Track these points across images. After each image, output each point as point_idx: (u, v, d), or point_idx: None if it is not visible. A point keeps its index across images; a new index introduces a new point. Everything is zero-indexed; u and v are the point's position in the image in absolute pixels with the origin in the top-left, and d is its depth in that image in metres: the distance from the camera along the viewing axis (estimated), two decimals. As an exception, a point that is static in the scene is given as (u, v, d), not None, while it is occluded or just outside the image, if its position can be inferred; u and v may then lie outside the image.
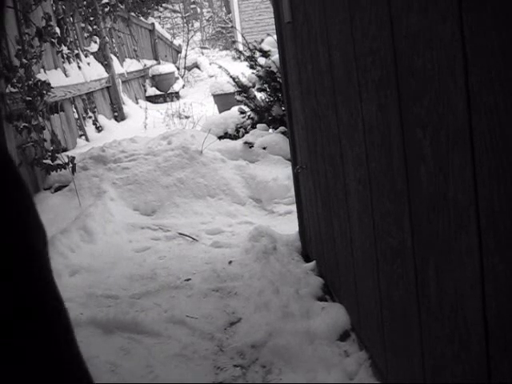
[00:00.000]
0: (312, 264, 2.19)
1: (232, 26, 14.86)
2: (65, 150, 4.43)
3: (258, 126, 4.65)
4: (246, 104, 4.53)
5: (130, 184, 3.76)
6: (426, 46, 0.79)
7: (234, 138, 4.44)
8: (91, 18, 6.27)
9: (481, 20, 0.63)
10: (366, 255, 1.32)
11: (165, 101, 8.53)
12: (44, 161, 3.65)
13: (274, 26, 2.40)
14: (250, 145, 3.91)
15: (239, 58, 5.23)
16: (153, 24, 10.24)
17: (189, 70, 10.97)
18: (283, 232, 2.64)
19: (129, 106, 7.25)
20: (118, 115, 6.76)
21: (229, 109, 5.31)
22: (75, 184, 3.69)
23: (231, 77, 4.64)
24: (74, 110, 5.20)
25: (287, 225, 2.85)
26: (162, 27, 12.85)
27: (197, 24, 17.78)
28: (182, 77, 10.25)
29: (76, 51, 5.42)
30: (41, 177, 3.95)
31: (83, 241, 2.91)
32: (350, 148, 1.32)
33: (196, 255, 2.56)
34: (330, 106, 1.50)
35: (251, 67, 4.40)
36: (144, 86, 8.90)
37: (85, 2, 5.97)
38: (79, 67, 5.44)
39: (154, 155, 4.01)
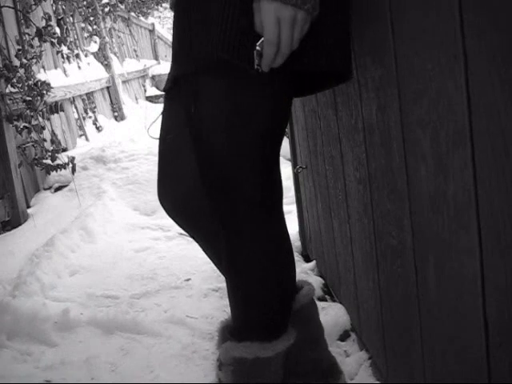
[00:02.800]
0: (312, 264, 2.19)
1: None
2: (65, 149, 4.43)
3: (258, 126, 4.64)
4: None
5: (130, 184, 3.76)
6: (426, 46, 0.79)
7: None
8: (91, 18, 6.27)
9: (481, 19, 0.63)
10: (365, 255, 1.32)
11: (165, 101, 8.51)
12: (44, 161, 3.65)
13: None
14: (249, 145, 3.91)
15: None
16: (153, 24, 10.24)
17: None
18: (283, 232, 2.64)
19: (129, 105, 7.25)
20: (118, 115, 6.76)
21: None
22: (75, 184, 3.69)
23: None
24: (74, 110, 5.20)
25: (287, 225, 2.84)
26: (162, 27, 12.86)
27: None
28: (182, 77, 10.22)
29: (76, 51, 5.42)
30: (41, 177, 3.95)
31: (83, 241, 2.91)
32: (350, 148, 1.32)
33: (196, 255, 2.56)
34: (329, 106, 1.50)
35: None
36: (144, 86, 8.90)
37: (85, 2, 5.97)
38: (79, 67, 5.44)
39: (154, 155, 4.01)
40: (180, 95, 1.03)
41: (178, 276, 2.36)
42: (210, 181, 1.02)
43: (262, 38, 0.87)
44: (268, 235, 1.06)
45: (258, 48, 0.87)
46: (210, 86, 0.96)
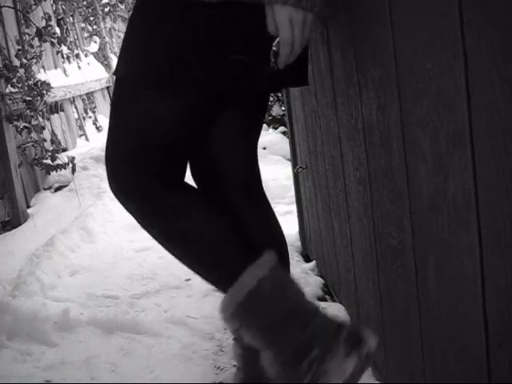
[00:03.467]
0: (312, 264, 2.19)
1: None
2: (65, 149, 4.43)
3: (258, 126, 4.64)
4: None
5: (130, 184, 3.76)
6: (426, 45, 0.79)
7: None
8: (91, 18, 6.27)
9: (481, 18, 0.63)
10: (365, 255, 1.32)
11: (165, 101, 8.50)
12: (44, 161, 3.65)
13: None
14: (250, 145, 3.91)
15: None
16: (153, 24, 10.22)
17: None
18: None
19: (129, 105, 7.24)
20: (118, 115, 6.74)
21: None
22: (75, 184, 3.69)
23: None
24: (74, 110, 5.20)
25: (287, 225, 2.84)
26: (162, 27, 12.81)
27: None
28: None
29: (76, 51, 5.43)
30: (41, 177, 3.95)
31: (83, 241, 2.91)
32: (350, 148, 1.32)
33: (196, 255, 2.55)
34: (330, 106, 1.50)
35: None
36: (144, 86, 8.89)
37: (85, 2, 5.97)
38: (79, 67, 5.44)
39: (154, 155, 4.01)
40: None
41: (178, 276, 2.36)
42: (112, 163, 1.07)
43: (278, 39, 0.97)
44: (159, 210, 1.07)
45: (274, 48, 0.98)
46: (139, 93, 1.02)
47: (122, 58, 1.04)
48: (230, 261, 1.06)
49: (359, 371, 1.00)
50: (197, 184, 1.25)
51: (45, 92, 3.56)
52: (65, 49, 4.57)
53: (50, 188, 3.95)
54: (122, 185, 1.06)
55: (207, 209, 1.08)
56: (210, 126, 1.15)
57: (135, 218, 1.11)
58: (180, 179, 1.09)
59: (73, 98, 5.12)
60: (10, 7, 3.67)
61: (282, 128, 4.42)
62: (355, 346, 1.01)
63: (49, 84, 3.60)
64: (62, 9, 5.09)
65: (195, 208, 1.07)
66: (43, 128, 3.68)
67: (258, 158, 1.30)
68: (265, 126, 4.69)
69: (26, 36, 3.83)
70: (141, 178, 1.04)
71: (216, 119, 1.14)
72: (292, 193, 2.64)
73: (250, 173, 1.26)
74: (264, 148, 4.06)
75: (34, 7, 3.91)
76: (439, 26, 0.73)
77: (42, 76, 4.03)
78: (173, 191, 1.06)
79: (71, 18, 5.55)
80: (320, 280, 2.04)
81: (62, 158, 3.67)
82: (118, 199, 1.09)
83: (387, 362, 1.25)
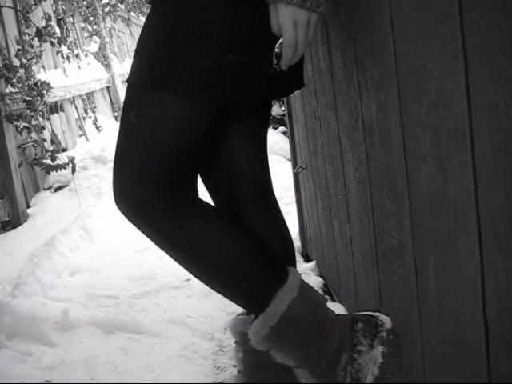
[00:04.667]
0: (312, 264, 2.19)
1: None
2: (65, 149, 4.43)
3: (258, 125, 4.64)
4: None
5: (130, 184, 3.76)
6: (426, 45, 0.79)
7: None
8: (91, 18, 6.27)
9: (481, 18, 0.63)
10: (365, 255, 1.32)
11: (165, 101, 8.50)
12: (44, 161, 3.65)
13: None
14: (250, 145, 3.91)
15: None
16: (153, 24, 10.21)
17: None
18: (283, 232, 2.63)
19: (129, 105, 7.23)
20: (118, 115, 6.76)
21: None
22: (75, 184, 3.69)
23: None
24: (74, 110, 5.19)
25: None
26: (162, 27, 12.80)
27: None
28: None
29: (76, 51, 5.42)
30: (41, 177, 3.95)
31: (83, 241, 2.91)
32: (350, 148, 1.32)
33: (196, 255, 2.55)
34: (329, 106, 1.50)
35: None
36: (144, 85, 8.88)
37: (85, 2, 5.97)
38: (79, 67, 5.44)
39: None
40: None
41: (178, 276, 2.36)
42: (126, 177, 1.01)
43: (280, 40, 0.95)
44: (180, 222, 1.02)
45: (276, 50, 0.96)
46: (158, 99, 0.97)
47: (133, 65, 1.00)
48: (257, 285, 1.05)
49: (389, 353, 1.07)
50: (210, 193, 1.22)
51: (45, 92, 3.56)
52: (65, 49, 4.57)
53: (49, 188, 3.94)
54: (136, 199, 0.98)
55: (228, 226, 1.06)
56: (222, 133, 1.11)
57: (147, 235, 1.05)
58: (196, 194, 1.05)
59: (73, 97, 5.12)
60: (10, 7, 3.67)
61: (281, 128, 4.42)
62: (375, 334, 1.05)
63: (49, 84, 3.61)
64: (62, 9, 5.08)
65: (215, 226, 1.04)
66: (43, 128, 3.68)
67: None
68: (265, 126, 4.70)
69: (26, 36, 3.83)
70: (159, 191, 0.97)
71: (228, 125, 1.11)
72: (292, 193, 2.64)
73: (265, 176, 1.23)
74: (264, 148, 4.06)
75: (33, 7, 3.91)
76: (439, 25, 0.73)
77: (42, 76, 4.03)
78: (193, 207, 1.03)
79: (71, 18, 5.54)
80: (320, 280, 2.04)
81: (62, 158, 3.67)
82: (128, 214, 1.01)
83: (387, 362, 1.25)
